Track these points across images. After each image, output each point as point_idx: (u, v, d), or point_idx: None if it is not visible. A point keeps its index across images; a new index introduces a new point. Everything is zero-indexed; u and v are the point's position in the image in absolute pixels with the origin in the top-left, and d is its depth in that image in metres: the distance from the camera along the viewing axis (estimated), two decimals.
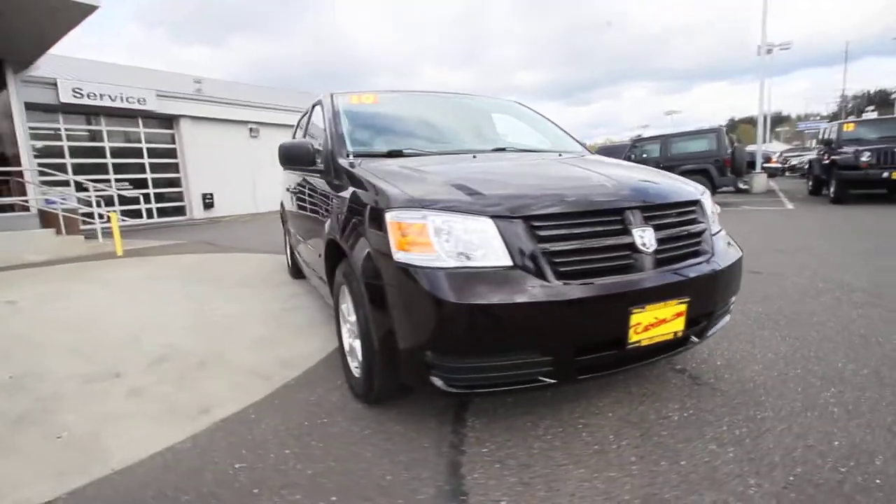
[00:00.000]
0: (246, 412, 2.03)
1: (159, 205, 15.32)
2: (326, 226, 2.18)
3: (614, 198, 1.62)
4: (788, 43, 20.88)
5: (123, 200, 12.48)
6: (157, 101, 14.24)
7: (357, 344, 1.98)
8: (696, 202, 1.85)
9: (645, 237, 1.58)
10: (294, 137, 4.18)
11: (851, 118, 12.31)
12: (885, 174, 7.75)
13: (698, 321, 1.74)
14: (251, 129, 18.43)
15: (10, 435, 1.91)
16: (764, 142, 19.04)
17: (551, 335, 1.46)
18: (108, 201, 10.30)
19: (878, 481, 1.39)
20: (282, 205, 4.80)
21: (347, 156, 2.21)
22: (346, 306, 2.05)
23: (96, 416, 2.04)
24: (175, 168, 15.92)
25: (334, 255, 2.16)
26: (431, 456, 1.63)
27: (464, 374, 1.48)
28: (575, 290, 1.44)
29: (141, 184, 14.35)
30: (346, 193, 1.98)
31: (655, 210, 1.68)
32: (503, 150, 2.44)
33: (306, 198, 2.85)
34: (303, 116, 3.94)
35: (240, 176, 17.54)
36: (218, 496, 1.48)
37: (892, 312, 2.77)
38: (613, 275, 1.52)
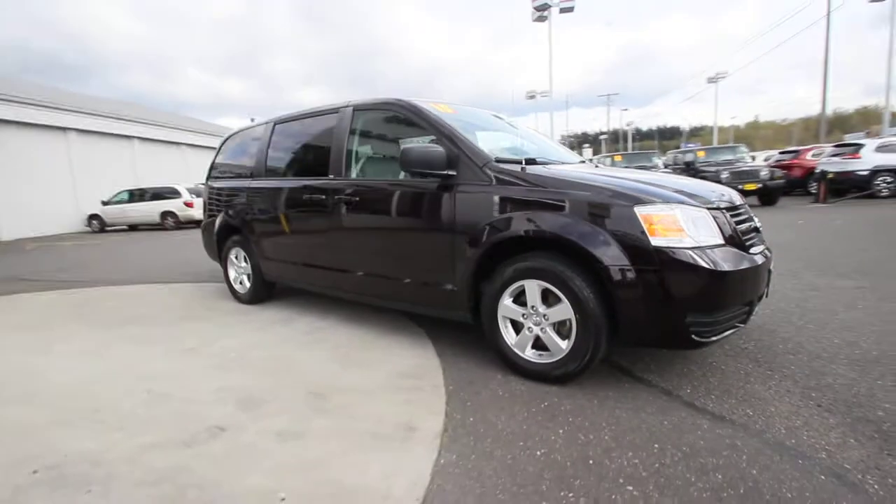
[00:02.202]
0: (453, 418, 1.95)
1: None
2: (484, 225, 2.25)
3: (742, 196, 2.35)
4: (548, 91, 27.17)
5: None
6: None
7: (548, 331, 2.15)
8: None
9: (758, 221, 2.35)
10: (269, 144, 3.69)
11: (618, 152, 16.86)
12: None
13: None
14: None
15: None
16: None
17: (753, 290, 2.05)
18: None
19: None
20: (221, 223, 4.07)
21: (496, 162, 2.33)
22: (529, 299, 2.15)
23: (287, 469, 1.65)
24: None
25: (495, 254, 2.25)
26: (679, 406, 1.96)
27: (709, 328, 1.91)
28: (760, 258, 2.08)
29: None
30: (532, 194, 2.15)
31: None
32: (584, 161, 2.92)
33: (390, 204, 2.72)
34: (296, 119, 3.56)
35: None
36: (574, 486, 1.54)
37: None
38: (757, 247, 2.21)
